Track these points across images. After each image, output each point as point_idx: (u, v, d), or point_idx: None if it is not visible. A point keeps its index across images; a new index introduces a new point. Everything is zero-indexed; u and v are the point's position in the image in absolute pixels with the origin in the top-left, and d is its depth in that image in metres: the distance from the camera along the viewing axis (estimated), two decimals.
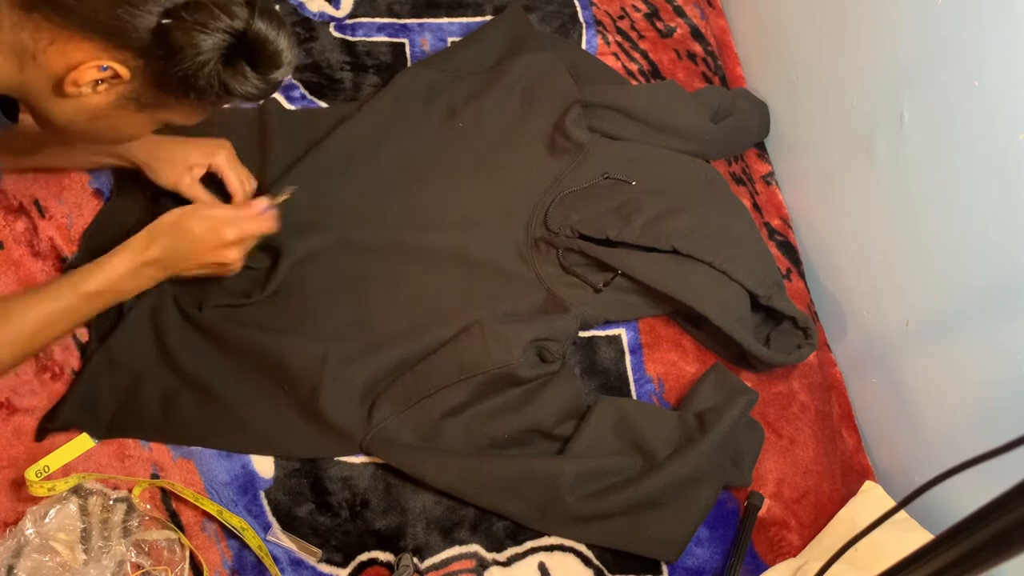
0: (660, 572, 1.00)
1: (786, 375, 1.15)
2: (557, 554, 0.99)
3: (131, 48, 0.75)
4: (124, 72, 0.76)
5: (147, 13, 0.73)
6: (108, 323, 1.02)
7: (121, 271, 0.96)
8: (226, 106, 0.91)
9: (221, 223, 0.98)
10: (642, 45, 1.41)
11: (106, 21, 0.73)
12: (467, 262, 1.13)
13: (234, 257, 1.00)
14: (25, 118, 0.86)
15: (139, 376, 1.01)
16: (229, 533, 0.95)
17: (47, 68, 0.76)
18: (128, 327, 1.02)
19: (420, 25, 1.36)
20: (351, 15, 1.35)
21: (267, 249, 1.08)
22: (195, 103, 0.82)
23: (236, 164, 1.10)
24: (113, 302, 0.99)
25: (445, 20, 1.38)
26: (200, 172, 1.08)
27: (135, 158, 1.06)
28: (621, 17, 1.43)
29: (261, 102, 1.20)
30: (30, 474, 0.91)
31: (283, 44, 0.80)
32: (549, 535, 1.00)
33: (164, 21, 0.73)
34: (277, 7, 0.82)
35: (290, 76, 0.89)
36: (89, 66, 0.75)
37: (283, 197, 1.05)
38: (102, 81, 0.77)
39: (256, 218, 1.01)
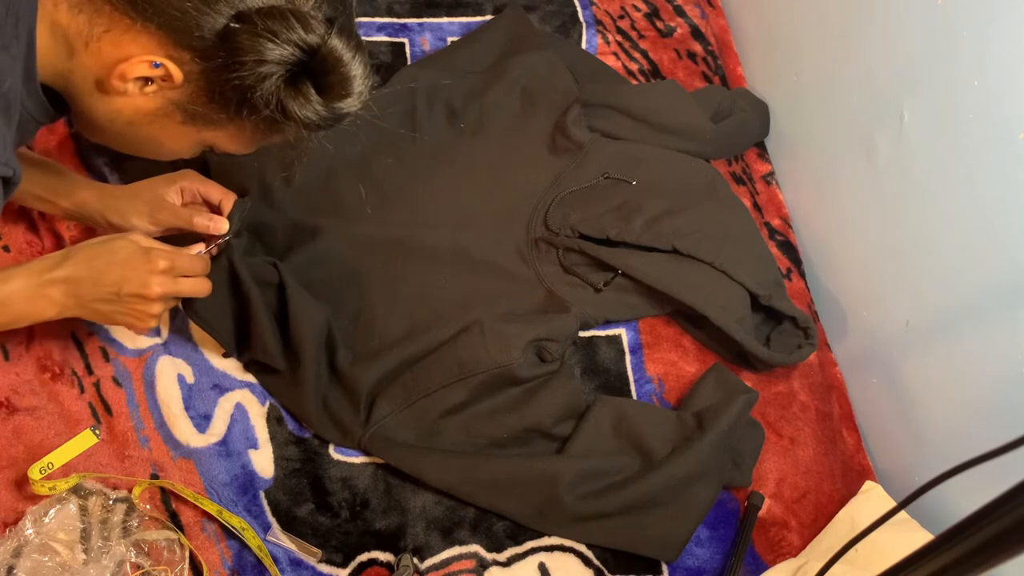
0: (660, 572, 1.00)
1: (786, 375, 1.15)
2: (557, 554, 0.99)
3: (191, 49, 0.69)
4: (177, 74, 0.70)
5: (217, 13, 0.67)
6: None
7: (16, 285, 0.82)
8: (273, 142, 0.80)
9: (153, 248, 0.86)
10: (642, 45, 1.40)
11: (171, 14, 0.67)
12: (467, 261, 1.13)
13: (158, 292, 0.85)
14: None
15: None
16: (229, 533, 0.95)
17: (98, 57, 0.70)
18: None
19: (420, 25, 1.36)
20: None
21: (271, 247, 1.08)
22: (245, 126, 0.75)
23: (208, 180, 0.98)
24: (5, 323, 0.85)
25: (445, 20, 1.38)
26: (177, 197, 0.95)
27: (85, 206, 0.94)
28: (621, 17, 1.43)
29: None
30: (33, 472, 0.91)
31: (357, 70, 0.72)
32: (548, 535, 1.00)
33: (233, 24, 0.67)
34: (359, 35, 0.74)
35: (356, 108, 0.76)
36: (141, 60, 0.69)
37: (223, 240, 0.95)
38: (151, 81, 0.71)
39: (192, 256, 0.90)
